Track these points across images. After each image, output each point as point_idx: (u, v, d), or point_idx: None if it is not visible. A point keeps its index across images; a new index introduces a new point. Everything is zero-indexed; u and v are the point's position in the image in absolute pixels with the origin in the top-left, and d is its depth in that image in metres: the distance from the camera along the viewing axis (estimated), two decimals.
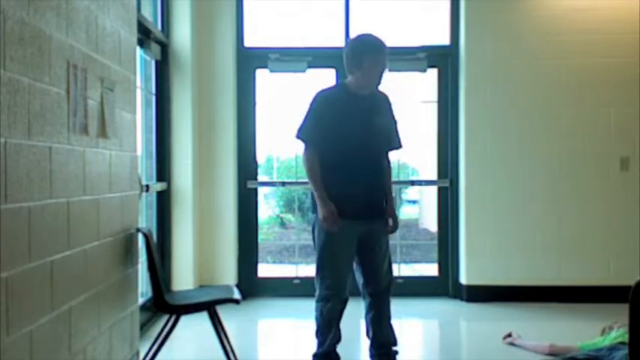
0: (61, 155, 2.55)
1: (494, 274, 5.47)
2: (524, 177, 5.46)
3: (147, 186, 4.60)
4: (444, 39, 5.68)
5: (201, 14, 5.43)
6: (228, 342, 3.58)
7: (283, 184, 6.59)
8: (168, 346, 3.54)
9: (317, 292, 3.56)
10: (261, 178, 6.25)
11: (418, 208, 9.67)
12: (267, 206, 9.31)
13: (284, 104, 6.10)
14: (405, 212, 9.53)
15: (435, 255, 5.98)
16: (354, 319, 3.77)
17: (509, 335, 4.23)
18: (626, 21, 5.36)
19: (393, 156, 3.78)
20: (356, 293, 3.67)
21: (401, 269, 6.12)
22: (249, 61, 5.69)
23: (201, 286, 5.26)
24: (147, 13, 4.76)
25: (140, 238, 3.63)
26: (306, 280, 5.70)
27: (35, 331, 2.32)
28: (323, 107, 3.50)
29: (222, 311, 3.59)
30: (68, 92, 2.62)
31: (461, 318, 5.15)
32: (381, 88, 3.65)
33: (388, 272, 3.66)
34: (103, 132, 3.01)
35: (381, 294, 3.63)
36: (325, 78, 5.57)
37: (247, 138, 5.71)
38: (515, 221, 5.46)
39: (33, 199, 2.31)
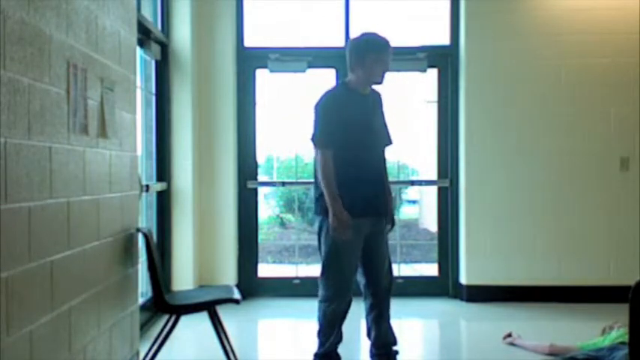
0: (61, 155, 2.55)
1: (494, 274, 5.47)
2: (524, 177, 5.46)
3: (147, 186, 4.60)
4: (444, 39, 5.68)
5: (201, 14, 5.43)
6: (228, 342, 3.58)
7: (283, 184, 6.59)
8: (168, 346, 3.54)
9: (321, 293, 3.55)
10: (261, 178, 6.25)
11: (418, 208, 9.67)
12: (267, 206, 9.30)
13: (284, 104, 6.10)
14: (405, 212, 9.53)
15: (435, 255, 5.98)
16: (354, 319, 3.77)
17: (509, 335, 4.23)
18: (626, 21, 5.36)
19: (394, 156, 3.80)
20: (356, 293, 3.67)
21: (401, 269, 6.12)
22: (249, 61, 5.69)
23: (201, 286, 5.26)
24: (147, 13, 4.76)
25: (140, 238, 3.63)
26: (306, 280, 5.70)
27: (35, 331, 2.32)
28: (332, 108, 3.49)
29: (222, 311, 3.59)
30: (68, 92, 2.62)
31: (461, 318, 5.15)
32: (381, 87, 3.65)
33: (389, 272, 3.67)
34: (103, 132, 3.01)
35: (383, 294, 3.63)
36: (325, 78, 5.57)
37: (247, 138, 5.71)
38: (515, 221, 5.46)
39: (33, 199, 2.31)
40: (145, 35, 4.55)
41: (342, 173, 3.45)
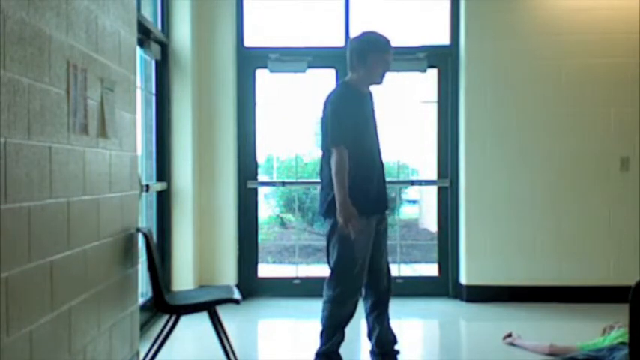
0: (61, 155, 2.55)
1: (494, 274, 5.47)
2: (524, 177, 5.46)
3: (147, 186, 4.60)
4: (444, 39, 5.68)
5: (201, 14, 5.43)
6: (228, 342, 3.58)
7: (283, 184, 6.58)
8: (169, 346, 3.54)
9: (329, 294, 3.54)
10: (261, 178, 6.25)
11: (418, 208, 9.67)
12: (267, 206, 9.30)
13: (284, 104, 6.10)
14: (405, 212, 9.53)
15: (435, 255, 5.98)
16: (354, 319, 3.76)
17: (509, 335, 4.23)
18: (626, 21, 5.36)
19: (393, 156, 3.82)
20: None
21: (401, 269, 6.12)
22: (249, 61, 5.69)
23: (201, 286, 5.26)
24: (147, 13, 4.76)
25: (140, 238, 3.63)
26: (306, 280, 5.71)
27: (35, 331, 2.32)
28: (343, 108, 3.49)
29: (222, 311, 3.58)
30: (68, 92, 2.62)
31: (461, 318, 5.15)
32: (381, 87, 3.65)
33: (388, 272, 3.68)
34: (103, 132, 3.01)
35: (384, 293, 3.64)
36: (325, 78, 5.57)
37: (247, 138, 5.71)
38: (515, 221, 5.46)
39: (33, 199, 2.31)
40: (145, 35, 4.55)
41: (355, 172, 3.45)
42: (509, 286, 5.43)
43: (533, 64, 5.44)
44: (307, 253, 6.76)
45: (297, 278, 5.83)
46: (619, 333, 3.72)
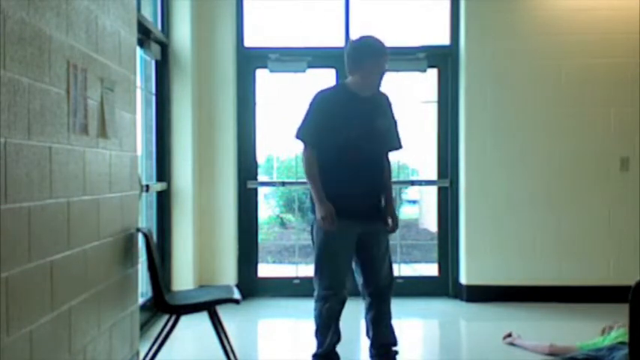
0: (61, 155, 2.55)
1: (494, 274, 5.46)
2: (524, 177, 5.46)
3: (147, 186, 4.60)
4: (444, 39, 5.68)
5: (201, 14, 5.43)
6: (228, 342, 3.58)
7: (283, 184, 6.58)
8: (169, 346, 3.54)
9: (315, 292, 3.56)
10: (261, 178, 6.25)
11: (418, 208, 9.67)
12: (267, 206, 9.30)
13: (284, 104, 6.10)
14: (405, 212, 9.53)
15: (435, 255, 5.98)
16: (354, 319, 3.77)
17: (509, 335, 4.23)
18: (626, 21, 5.36)
19: (393, 156, 3.79)
20: (356, 293, 3.67)
21: (401, 269, 6.12)
22: (249, 61, 5.69)
23: (201, 286, 5.26)
24: (147, 13, 4.76)
25: (140, 238, 3.63)
26: (306, 280, 5.69)
27: (35, 331, 2.32)
28: (322, 107, 3.49)
29: (222, 311, 3.58)
30: (68, 92, 2.62)
31: (461, 318, 5.15)
32: (381, 88, 3.65)
33: (389, 272, 3.66)
34: (103, 132, 3.01)
35: (381, 294, 3.63)
36: (325, 78, 5.57)
37: (247, 138, 5.71)
38: (515, 221, 5.46)
39: (33, 199, 2.31)
40: (145, 35, 4.55)
41: (330, 173, 3.46)
42: (509, 286, 5.43)
43: (533, 64, 5.44)
44: (307, 253, 6.75)
45: (297, 278, 5.83)
46: (619, 333, 3.72)
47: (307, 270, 5.91)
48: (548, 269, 5.42)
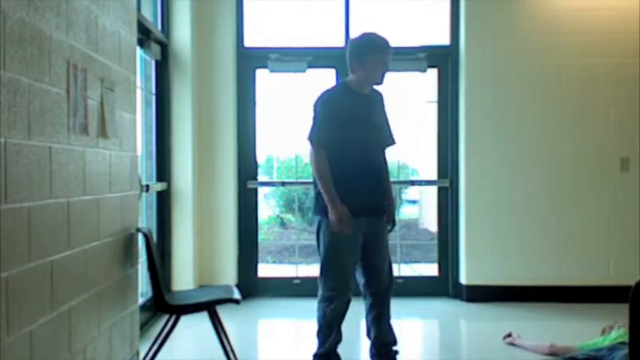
0: (61, 155, 2.55)
1: (494, 274, 5.46)
2: (524, 177, 5.46)
3: (147, 186, 4.60)
4: (444, 39, 5.68)
5: (201, 14, 5.43)
6: (228, 342, 3.58)
7: (283, 184, 6.59)
8: (169, 346, 3.54)
9: (320, 293, 3.55)
10: (261, 178, 6.25)
11: (418, 208, 9.67)
12: (267, 206, 9.30)
13: (284, 104, 6.10)
14: (405, 212, 9.53)
15: (435, 255, 5.98)
16: (354, 319, 3.77)
17: (509, 335, 4.23)
18: (626, 21, 5.36)
19: (393, 156, 3.81)
20: (356, 293, 3.67)
21: (401, 269, 6.12)
22: (249, 61, 5.69)
23: (201, 286, 5.26)
24: (147, 13, 4.76)
25: (140, 238, 3.63)
26: (306, 280, 5.70)
27: (35, 331, 2.32)
28: (330, 108, 3.49)
29: (222, 311, 3.59)
30: (68, 92, 2.62)
31: (461, 318, 5.15)
32: (381, 87, 3.65)
33: (389, 272, 3.67)
34: (103, 132, 3.01)
35: (383, 294, 3.63)
36: (325, 78, 5.57)
37: (247, 138, 5.71)
38: (515, 221, 5.46)
39: (33, 199, 2.31)
40: (145, 35, 4.55)
41: (339, 172, 3.45)
42: (509, 286, 5.43)
43: (533, 64, 5.44)
44: (307, 253, 6.76)
45: (297, 278, 5.83)
46: (619, 333, 3.72)
47: (307, 270, 5.92)
48: (548, 269, 5.42)
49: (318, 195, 3.51)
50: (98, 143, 2.97)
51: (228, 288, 3.86)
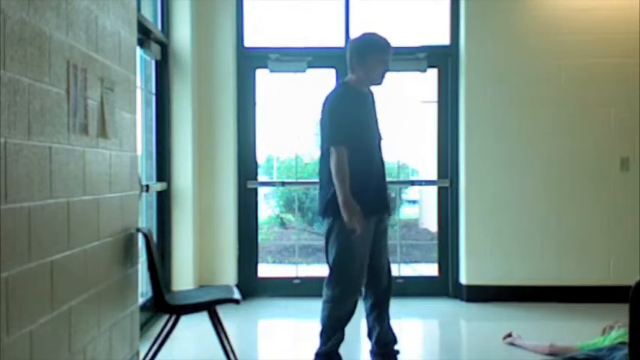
0: (61, 155, 2.55)
1: (494, 274, 5.47)
2: (524, 177, 5.46)
3: (147, 186, 4.60)
4: (444, 39, 5.68)
5: (201, 14, 5.43)
6: (228, 342, 3.58)
7: (283, 184, 6.59)
8: (169, 346, 3.54)
9: (328, 293, 3.53)
10: (261, 178, 6.25)
11: (418, 208, 9.67)
12: (267, 206, 9.30)
13: (284, 104, 6.10)
14: (405, 212, 9.53)
15: (435, 255, 5.98)
16: (354, 318, 3.76)
17: (509, 335, 4.23)
18: (626, 21, 5.36)
19: (393, 156, 3.83)
20: None
21: (401, 269, 6.12)
22: (249, 61, 5.69)
23: (201, 286, 5.26)
24: (147, 13, 4.76)
25: (140, 238, 3.63)
26: (306, 280, 5.71)
27: (35, 331, 2.32)
28: (342, 107, 3.50)
29: (222, 311, 3.59)
30: (68, 92, 2.62)
31: (461, 318, 5.15)
32: (380, 87, 3.66)
33: (389, 272, 3.68)
34: (103, 132, 3.01)
35: (384, 293, 3.64)
36: (325, 78, 5.57)
37: (247, 138, 5.71)
38: (515, 221, 5.46)
39: (33, 199, 2.31)
40: (145, 35, 4.55)
41: (354, 171, 3.43)
42: (509, 286, 5.43)
43: (533, 64, 5.44)
44: (307, 253, 6.77)
45: (297, 278, 5.83)
46: (619, 333, 3.72)
47: (307, 270, 5.92)
48: (548, 269, 5.42)
49: (332, 197, 3.44)
50: (98, 143, 2.97)
51: (228, 288, 3.86)
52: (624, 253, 5.38)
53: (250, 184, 5.72)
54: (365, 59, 3.49)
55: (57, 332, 2.53)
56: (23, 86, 2.24)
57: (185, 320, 3.52)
